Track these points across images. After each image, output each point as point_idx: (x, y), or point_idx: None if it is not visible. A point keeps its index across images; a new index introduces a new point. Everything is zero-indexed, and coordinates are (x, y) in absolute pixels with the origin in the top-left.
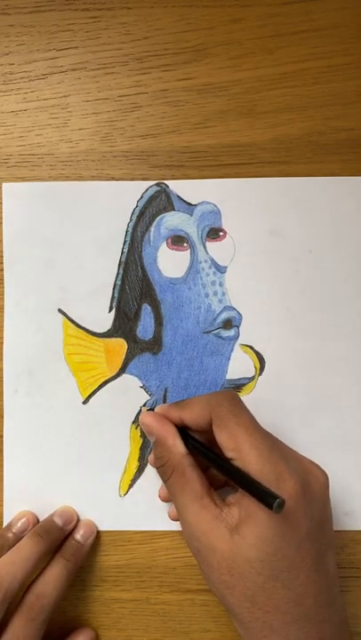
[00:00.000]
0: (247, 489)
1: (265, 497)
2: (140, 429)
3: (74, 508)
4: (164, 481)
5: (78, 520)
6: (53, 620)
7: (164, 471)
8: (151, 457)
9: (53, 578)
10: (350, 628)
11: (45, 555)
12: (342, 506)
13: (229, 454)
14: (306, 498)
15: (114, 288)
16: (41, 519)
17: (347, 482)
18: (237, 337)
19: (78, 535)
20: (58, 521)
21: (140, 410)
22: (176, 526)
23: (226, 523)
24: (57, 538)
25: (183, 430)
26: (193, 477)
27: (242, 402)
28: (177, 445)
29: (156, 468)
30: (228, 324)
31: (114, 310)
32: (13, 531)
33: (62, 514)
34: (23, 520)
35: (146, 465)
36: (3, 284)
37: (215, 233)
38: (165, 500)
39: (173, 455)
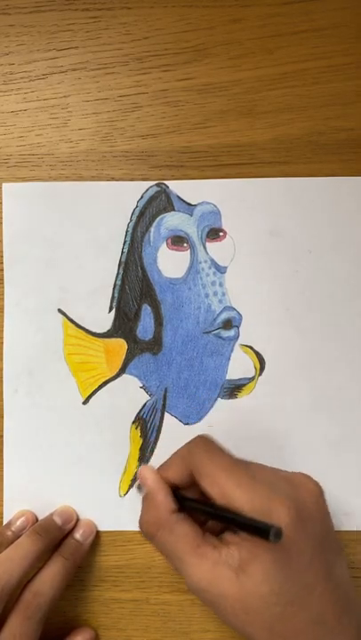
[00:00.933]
0: (242, 528)
1: (261, 531)
2: (140, 429)
3: (74, 507)
4: (150, 538)
5: (78, 520)
6: (53, 619)
7: (150, 528)
8: (140, 518)
9: (51, 576)
10: None
11: (43, 553)
12: (342, 506)
13: (218, 500)
14: (303, 519)
15: (114, 288)
16: (40, 518)
17: (347, 482)
18: (237, 337)
19: (78, 534)
20: (57, 520)
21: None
22: None
23: (228, 565)
24: (56, 537)
25: (175, 491)
26: (184, 531)
27: (214, 443)
28: (166, 502)
29: (141, 525)
30: (228, 324)
31: (114, 310)
32: (12, 529)
33: (62, 513)
34: (22, 519)
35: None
36: (3, 284)
37: (215, 233)
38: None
39: (161, 512)
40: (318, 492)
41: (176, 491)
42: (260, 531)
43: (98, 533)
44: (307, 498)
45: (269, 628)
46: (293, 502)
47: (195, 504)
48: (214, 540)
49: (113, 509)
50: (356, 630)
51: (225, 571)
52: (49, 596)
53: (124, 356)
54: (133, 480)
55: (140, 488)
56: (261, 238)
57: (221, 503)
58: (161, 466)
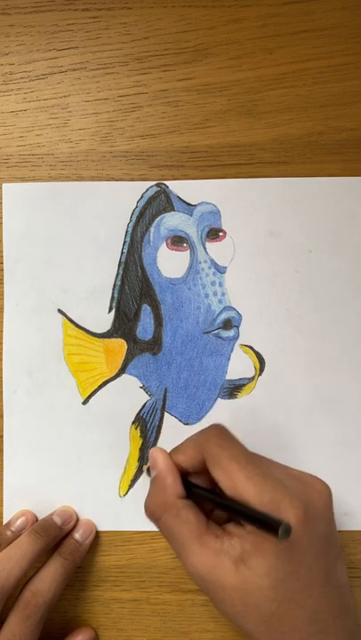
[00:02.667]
0: (251, 521)
1: (269, 526)
2: (140, 429)
3: (74, 507)
4: (155, 520)
5: (77, 520)
6: (53, 619)
7: (156, 510)
8: (146, 500)
9: (50, 576)
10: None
11: (43, 553)
12: (342, 506)
13: (227, 491)
14: (309, 518)
15: (113, 288)
16: (40, 518)
17: (347, 482)
18: (237, 337)
19: (77, 534)
20: (57, 520)
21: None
22: None
23: (230, 555)
24: (55, 536)
25: (185, 477)
26: (189, 516)
27: (230, 433)
28: (174, 486)
29: (147, 507)
30: (227, 324)
31: (113, 310)
32: (12, 529)
33: (61, 513)
34: (22, 518)
35: (146, 465)
36: (3, 284)
37: (215, 233)
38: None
39: (168, 495)
40: (327, 493)
41: (185, 476)
42: (269, 525)
43: (98, 533)
44: (315, 498)
45: (266, 622)
46: (302, 502)
47: (203, 492)
48: (218, 529)
49: (113, 509)
50: (350, 633)
51: (226, 561)
52: (48, 596)
53: (123, 356)
54: (133, 480)
55: (149, 470)
56: (261, 238)
57: (230, 494)
58: (173, 449)
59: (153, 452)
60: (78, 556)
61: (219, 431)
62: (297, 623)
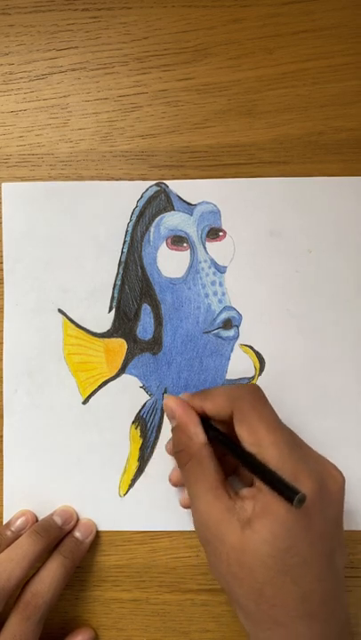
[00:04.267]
0: (268, 482)
1: (286, 491)
2: (140, 429)
3: (74, 507)
4: (181, 466)
5: (78, 519)
6: (53, 619)
7: (182, 457)
8: (168, 443)
9: (50, 576)
10: (351, 628)
11: (44, 553)
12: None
13: (249, 449)
14: (322, 498)
15: (114, 288)
16: (40, 519)
17: (347, 482)
18: (237, 337)
19: (78, 533)
20: (57, 520)
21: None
22: (176, 526)
23: (238, 515)
24: (55, 536)
25: (204, 419)
26: (210, 467)
27: (264, 396)
28: (198, 433)
29: (174, 454)
30: (227, 323)
31: (113, 310)
32: (12, 529)
33: (62, 513)
34: (22, 518)
35: (146, 465)
36: (3, 284)
37: (215, 233)
38: (176, 484)
39: (193, 443)
40: (342, 482)
41: (205, 420)
42: (286, 490)
43: (98, 533)
44: (331, 483)
45: (258, 590)
46: (319, 481)
47: (225, 439)
48: (231, 489)
49: (113, 509)
50: (339, 626)
51: (233, 520)
52: (48, 596)
53: (123, 356)
54: (133, 480)
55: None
56: (261, 238)
57: (251, 450)
58: (201, 393)
59: (168, 403)
60: (78, 556)
61: (255, 390)
62: (288, 599)
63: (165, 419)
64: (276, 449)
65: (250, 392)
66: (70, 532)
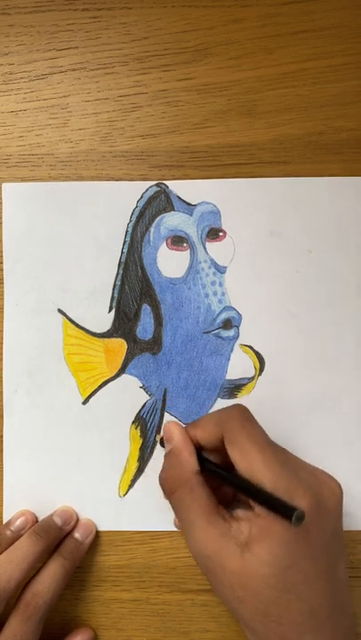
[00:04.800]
0: (265, 504)
1: (284, 510)
2: (140, 429)
3: (74, 507)
4: (169, 494)
5: (78, 519)
6: (53, 619)
7: (171, 484)
8: (161, 473)
9: (50, 576)
10: (356, 628)
11: (44, 554)
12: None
13: (242, 471)
14: (320, 512)
15: (113, 288)
16: (40, 519)
17: (347, 482)
18: (237, 337)
19: (77, 534)
20: (57, 520)
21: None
22: (176, 526)
23: (235, 539)
24: (55, 537)
25: (198, 451)
26: (202, 494)
27: (252, 416)
28: (191, 461)
29: (163, 480)
30: (227, 324)
31: (113, 310)
32: (12, 528)
33: (62, 513)
34: (22, 518)
35: (146, 465)
36: (2, 284)
37: (215, 233)
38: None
39: (185, 470)
40: (339, 492)
41: (199, 451)
42: (282, 510)
43: (98, 533)
44: (327, 495)
45: (264, 611)
46: (315, 496)
47: (217, 469)
48: (225, 512)
49: (113, 509)
50: (345, 633)
51: (231, 545)
52: (48, 597)
53: (123, 356)
54: (133, 480)
55: (162, 441)
56: (261, 238)
57: (245, 476)
58: (191, 424)
59: (169, 426)
60: (78, 556)
61: (242, 411)
62: (294, 615)
63: (165, 419)
64: (268, 468)
65: (238, 413)
66: (70, 532)
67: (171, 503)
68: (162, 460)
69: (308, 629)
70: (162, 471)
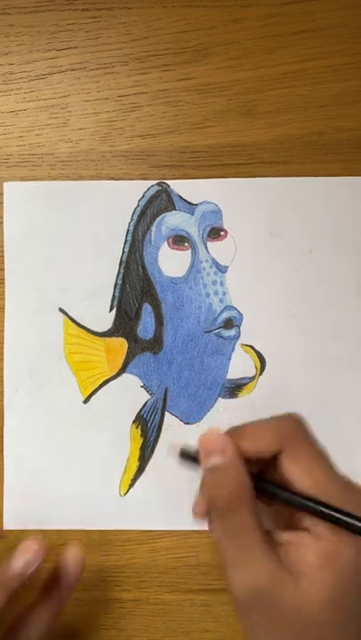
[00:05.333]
0: (338, 522)
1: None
2: (141, 429)
3: (74, 507)
4: (222, 515)
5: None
6: None
7: (228, 504)
8: (196, 502)
9: (36, 622)
10: None
11: (6, 604)
12: None
13: (304, 490)
14: None
15: (115, 287)
16: (42, 518)
17: None
18: (238, 337)
19: (63, 580)
20: (17, 565)
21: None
22: (176, 526)
23: (290, 568)
24: (15, 587)
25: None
26: (256, 518)
27: (310, 429)
28: (248, 480)
29: (214, 499)
30: (228, 323)
31: (114, 310)
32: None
33: (21, 556)
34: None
35: (146, 464)
36: (3, 283)
37: (216, 233)
38: (202, 516)
39: (244, 489)
40: None
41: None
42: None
43: (98, 533)
44: None
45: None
46: None
47: (273, 486)
48: (272, 538)
49: (113, 509)
50: None
51: (285, 574)
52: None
53: (124, 356)
54: (134, 480)
55: (184, 453)
56: (262, 238)
57: (303, 493)
58: (236, 429)
59: (216, 437)
60: (65, 598)
61: (301, 422)
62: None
63: (166, 418)
64: (335, 487)
65: (297, 424)
66: (56, 575)
67: (219, 526)
68: (162, 460)
69: None
70: (210, 488)
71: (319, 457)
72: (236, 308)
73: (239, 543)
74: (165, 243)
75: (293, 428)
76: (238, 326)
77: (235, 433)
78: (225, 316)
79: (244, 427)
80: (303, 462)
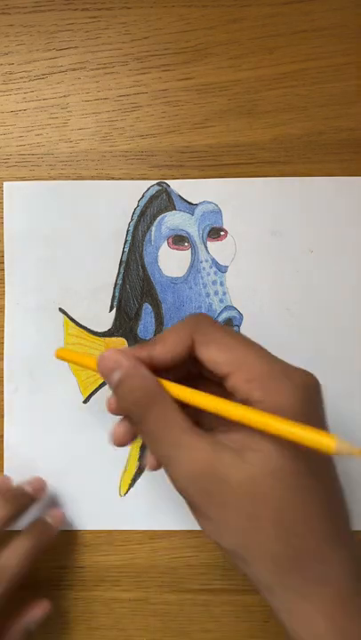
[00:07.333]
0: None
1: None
2: None
3: (74, 507)
4: (141, 419)
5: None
6: (53, 619)
7: (138, 408)
8: (112, 401)
9: (14, 552)
10: None
11: (9, 520)
12: None
13: (223, 368)
14: (319, 389)
15: (115, 287)
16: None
17: (347, 483)
18: None
19: (49, 518)
20: (27, 488)
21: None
22: (176, 526)
23: (229, 447)
24: (23, 504)
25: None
26: (179, 410)
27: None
28: (153, 378)
29: (123, 409)
30: (228, 323)
31: (115, 309)
32: None
33: (33, 482)
34: None
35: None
36: (3, 283)
37: (216, 232)
38: (115, 412)
39: (150, 388)
40: (316, 382)
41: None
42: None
43: (98, 533)
44: (313, 392)
45: (280, 522)
46: (311, 377)
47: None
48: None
49: (113, 509)
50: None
51: (226, 452)
52: (14, 572)
53: None
54: (133, 480)
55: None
56: (262, 238)
57: (229, 371)
58: (147, 341)
59: (111, 354)
60: (45, 537)
61: (208, 316)
62: (313, 522)
63: None
64: (255, 353)
65: (205, 316)
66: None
67: (144, 429)
68: None
69: (329, 536)
70: (122, 401)
71: (233, 335)
72: (236, 308)
73: (168, 439)
74: (165, 243)
75: (202, 318)
76: (238, 326)
77: (146, 346)
78: (225, 315)
79: (154, 338)
80: (218, 342)
